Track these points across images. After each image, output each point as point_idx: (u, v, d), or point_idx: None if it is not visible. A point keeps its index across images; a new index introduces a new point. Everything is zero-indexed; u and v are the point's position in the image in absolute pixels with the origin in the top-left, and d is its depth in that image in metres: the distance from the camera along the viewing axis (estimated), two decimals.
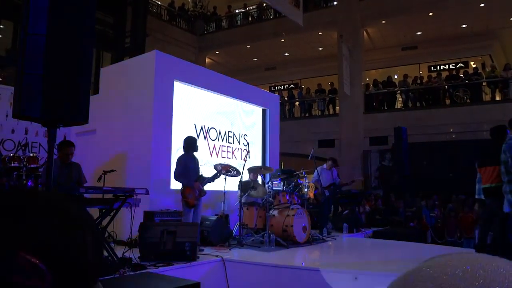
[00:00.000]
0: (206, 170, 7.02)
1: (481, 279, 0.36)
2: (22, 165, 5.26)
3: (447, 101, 14.02)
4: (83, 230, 0.49)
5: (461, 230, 9.30)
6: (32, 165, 5.47)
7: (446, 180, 11.57)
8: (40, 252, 0.43)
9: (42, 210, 0.47)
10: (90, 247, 0.48)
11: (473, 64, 16.11)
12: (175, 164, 5.80)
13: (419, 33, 15.99)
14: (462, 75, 14.73)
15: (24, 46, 2.96)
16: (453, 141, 12.96)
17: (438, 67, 16.99)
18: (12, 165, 5.35)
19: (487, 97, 13.63)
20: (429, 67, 17.18)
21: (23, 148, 7.08)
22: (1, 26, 10.86)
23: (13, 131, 7.22)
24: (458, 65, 16.62)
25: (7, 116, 7.07)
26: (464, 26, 15.19)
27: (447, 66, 16.86)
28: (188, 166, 5.68)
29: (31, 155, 5.85)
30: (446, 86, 14.06)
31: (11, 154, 5.78)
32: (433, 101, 14.26)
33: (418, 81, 15.00)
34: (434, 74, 15.42)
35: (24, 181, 5.20)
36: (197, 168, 5.87)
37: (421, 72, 16.81)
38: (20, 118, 3.18)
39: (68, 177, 5.08)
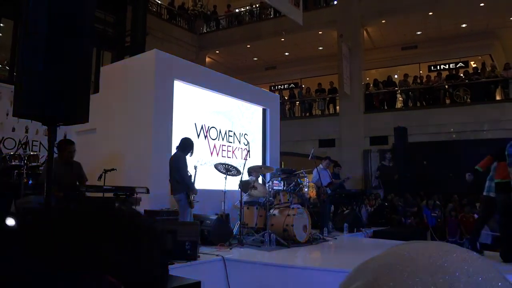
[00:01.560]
0: (206, 170, 7.02)
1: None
2: (22, 163, 5.25)
3: (447, 101, 14.02)
4: (156, 248, 0.49)
5: (462, 230, 9.30)
6: (33, 164, 5.46)
7: (446, 180, 11.56)
8: (122, 274, 0.43)
9: (124, 232, 0.47)
10: (160, 263, 0.48)
11: (473, 63, 16.11)
12: (176, 163, 5.71)
13: (419, 33, 15.98)
14: (462, 75, 14.72)
15: (24, 44, 2.94)
16: (453, 140, 12.95)
17: (438, 66, 16.99)
18: (13, 163, 5.34)
19: (487, 97, 13.61)
20: (429, 67, 17.17)
21: (23, 146, 7.08)
22: (1, 25, 10.84)
23: (13, 130, 7.22)
24: (458, 65, 16.62)
25: (7, 114, 7.07)
26: (464, 25, 15.19)
27: (447, 65, 16.85)
28: (186, 167, 5.68)
29: (31, 153, 5.85)
30: (446, 86, 14.06)
31: (12, 153, 5.78)
32: (433, 100, 14.25)
33: (418, 81, 14.99)
34: (434, 74, 15.41)
35: (25, 180, 5.19)
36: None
37: (421, 71, 16.80)
38: (21, 116, 3.17)
39: (69, 176, 5.07)
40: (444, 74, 15.22)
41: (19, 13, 3.12)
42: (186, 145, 5.78)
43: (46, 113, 2.92)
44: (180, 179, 5.60)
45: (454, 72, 15.31)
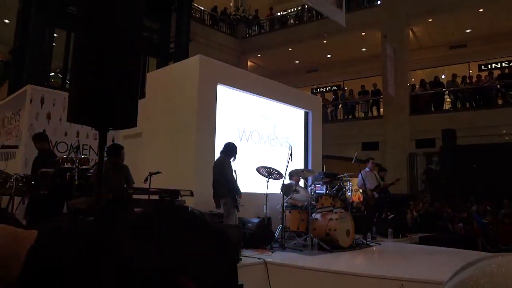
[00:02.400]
0: (249, 173, 7.07)
1: None
2: (74, 166, 5.52)
3: (499, 101, 13.34)
4: (228, 251, 0.49)
5: None
6: (84, 167, 5.72)
7: (498, 184, 10.99)
8: (196, 275, 0.43)
9: (198, 234, 0.48)
10: (231, 265, 0.49)
11: None
12: (221, 167, 5.80)
13: (468, 31, 15.32)
14: None
15: (77, 53, 3.11)
16: (505, 143, 12.30)
17: (489, 65, 16.20)
18: (65, 166, 5.62)
19: None
20: (480, 66, 16.41)
21: (74, 150, 7.43)
22: (55, 35, 11.46)
23: (66, 134, 7.60)
24: (511, 64, 15.77)
25: (60, 120, 7.45)
26: None
27: (499, 64, 16.03)
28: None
29: (82, 157, 6.13)
30: (498, 86, 13.38)
31: (64, 156, 6.08)
32: (484, 101, 13.60)
33: (468, 81, 14.37)
34: (485, 73, 14.70)
35: (76, 182, 5.45)
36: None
37: (470, 71, 16.09)
38: (74, 122, 3.34)
39: (118, 179, 5.28)
40: (496, 73, 14.49)
41: (72, 24, 3.29)
42: (230, 150, 5.87)
43: (97, 118, 3.06)
44: (226, 183, 5.69)
45: (506, 71, 14.53)
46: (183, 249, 0.45)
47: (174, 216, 0.50)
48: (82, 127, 7.45)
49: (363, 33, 15.94)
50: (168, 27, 13.93)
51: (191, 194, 4.66)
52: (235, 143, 5.99)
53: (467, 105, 13.89)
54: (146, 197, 4.70)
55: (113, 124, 3.15)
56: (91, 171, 5.86)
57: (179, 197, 4.56)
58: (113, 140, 7.43)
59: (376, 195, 7.65)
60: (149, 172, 5.62)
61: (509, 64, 15.76)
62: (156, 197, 4.70)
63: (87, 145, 7.87)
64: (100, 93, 2.95)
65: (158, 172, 5.68)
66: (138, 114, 3.45)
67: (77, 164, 5.53)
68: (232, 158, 5.86)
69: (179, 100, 6.91)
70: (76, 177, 5.47)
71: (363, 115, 15.98)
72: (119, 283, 0.41)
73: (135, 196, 5.13)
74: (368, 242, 6.78)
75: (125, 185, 5.36)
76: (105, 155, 4.86)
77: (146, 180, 5.58)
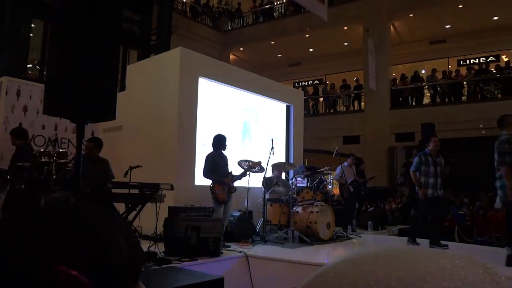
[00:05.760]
0: (230, 167, 7.05)
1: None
2: (52, 160, 5.41)
3: (477, 96, 13.61)
4: (115, 235, 0.48)
5: (491, 229, 9.04)
6: (62, 161, 5.61)
7: (475, 178, 11.24)
8: (78, 263, 0.42)
9: (72, 220, 0.47)
10: (125, 249, 0.48)
11: (505, 57, 15.55)
12: (204, 161, 5.82)
13: (448, 26, 15.55)
14: (493, 69, 14.25)
15: (54, 44, 3.04)
16: (483, 137, 12.57)
17: (468, 61, 16.50)
18: (43, 160, 5.50)
19: None
20: (459, 61, 16.70)
21: (52, 143, 7.29)
22: (32, 25, 11.18)
23: (43, 127, 7.44)
24: (489, 59, 16.09)
25: (38, 112, 7.29)
26: (495, 18, 14.68)
27: (477, 60, 16.34)
28: (216, 163, 5.73)
29: (60, 150, 6.01)
30: (476, 81, 13.65)
31: (42, 150, 5.96)
32: (462, 96, 13.86)
33: (447, 76, 14.61)
34: (463, 69, 14.98)
35: (54, 176, 5.35)
36: (226, 165, 5.90)
37: (450, 66, 16.36)
38: (51, 114, 3.27)
39: (96, 173, 5.20)
40: (475, 68, 14.78)
41: (49, 14, 3.21)
42: (215, 142, 5.86)
43: (75, 111, 3.00)
44: (206, 177, 5.70)
45: (484, 67, 14.83)
46: (55, 237, 0.44)
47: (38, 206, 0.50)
48: (61, 120, 7.30)
49: (345, 28, 16.02)
50: (149, 19, 13.74)
51: (172, 188, 4.63)
52: (222, 134, 5.96)
53: (446, 99, 14.14)
54: (126, 191, 4.65)
55: (91, 116, 3.10)
56: (70, 165, 5.76)
57: (160, 191, 4.53)
58: (92, 134, 7.31)
59: (352, 190, 7.79)
60: (130, 166, 5.56)
61: (486, 60, 16.07)
62: (136, 191, 4.65)
63: (65, 138, 7.72)
64: (78, 85, 2.89)
65: (138, 166, 5.62)
66: (118, 107, 3.41)
67: (54, 158, 5.42)
68: (222, 149, 5.85)
69: (160, 93, 6.84)
70: (53, 171, 5.37)
71: (344, 109, 16.12)
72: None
73: (115, 190, 5.07)
74: (348, 235, 6.88)
75: (104, 179, 5.28)
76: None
77: (126, 174, 5.52)
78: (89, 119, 3.28)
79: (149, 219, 5.14)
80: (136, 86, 7.41)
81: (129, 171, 5.35)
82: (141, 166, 5.58)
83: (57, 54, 3.01)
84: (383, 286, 0.33)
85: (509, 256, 4.42)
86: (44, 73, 10.66)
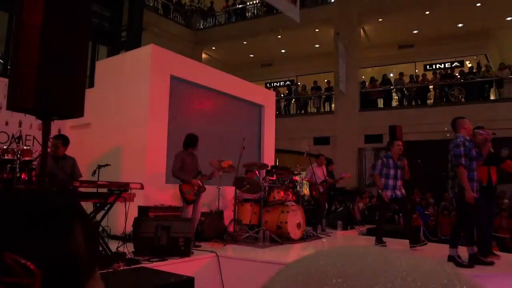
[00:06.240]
0: (201, 166, 7.01)
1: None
2: (16, 158, 5.21)
3: (443, 100, 14.07)
4: (73, 226, 0.48)
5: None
6: (26, 159, 5.42)
7: (439, 179, 11.61)
8: (28, 252, 0.43)
9: (26, 209, 0.47)
10: (81, 242, 0.48)
11: (469, 63, 16.16)
12: (173, 160, 5.77)
13: (415, 32, 16.00)
14: (457, 74, 14.78)
15: (18, 37, 2.92)
16: (447, 139, 12.97)
17: (434, 66, 17.04)
18: (6, 157, 5.29)
19: (482, 96, 13.68)
20: (425, 66, 17.22)
21: (16, 140, 7.03)
22: None
23: (6, 123, 7.16)
24: (454, 64, 16.67)
25: (0, 108, 7.01)
26: (460, 25, 15.22)
27: (442, 65, 16.90)
28: (185, 163, 5.67)
29: (25, 148, 5.81)
30: (442, 85, 14.11)
31: (5, 147, 5.74)
32: (428, 100, 14.30)
33: (414, 80, 15.04)
34: (430, 73, 15.45)
35: (18, 174, 5.16)
36: (195, 165, 5.85)
37: (417, 70, 16.84)
38: (15, 110, 3.15)
39: (63, 171, 5.06)
40: (440, 73, 15.28)
41: (15, 6, 3.10)
42: (186, 141, 5.81)
43: (40, 107, 2.90)
44: (174, 176, 5.65)
45: (449, 72, 15.37)
46: (9, 227, 0.45)
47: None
48: (25, 116, 7.05)
49: (317, 30, 16.22)
50: (119, 15, 13.44)
51: (142, 187, 4.55)
52: (193, 133, 5.91)
53: (413, 103, 14.55)
54: (94, 190, 4.54)
55: (57, 113, 3.00)
56: (35, 163, 5.57)
57: (129, 190, 4.44)
58: (59, 131, 7.09)
59: (322, 190, 7.93)
60: (98, 165, 5.44)
61: (451, 65, 16.65)
62: (105, 190, 4.55)
63: (30, 135, 7.46)
64: (43, 80, 2.79)
65: (107, 165, 5.51)
66: (86, 104, 3.32)
67: (18, 156, 5.22)
68: (192, 148, 5.79)
69: (130, 91, 6.71)
70: (17, 169, 5.17)
71: (315, 110, 16.31)
72: None
73: (82, 189, 4.94)
74: (318, 234, 6.96)
75: (71, 178, 5.14)
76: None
77: (94, 172, 5.39)
78: (55, 116, 3.18)
79: (118, 219, 5.05)
80: (106, 82, 7.24)
81: (97, 169, 5.24)
82: (110, 165, 5.48)
83: (21, 47, 2.90)
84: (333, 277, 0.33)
85: (471, 256, 4.57)
86: (8, 67, 10.26)
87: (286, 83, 19.70)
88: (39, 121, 4.55)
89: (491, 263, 4.57)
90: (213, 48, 18.56)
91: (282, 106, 16.74)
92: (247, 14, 18.21)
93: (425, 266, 0.33)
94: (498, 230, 8.60)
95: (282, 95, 17.40)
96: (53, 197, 0.51)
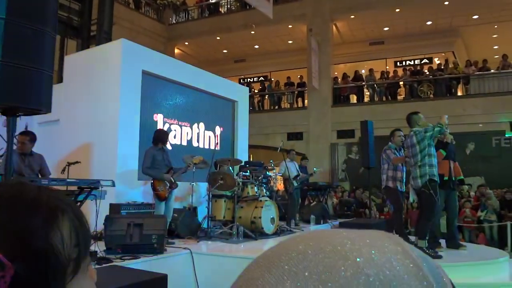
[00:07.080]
0: (174, 162, 6.95)
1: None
2: None
3: (412, 96, 14.42)
4: (55, 220, 0.46)
5: None
6: None
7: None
8: (4, 246, 0.41)
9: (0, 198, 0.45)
10: (67, 237, 0.46)
11: (437, 60, 16.61)
12: (143, 157, 5.69)
13: (386, 29, 16.31)
14: (426, 71, 15.17)
15: None
16: None
17: (404, 62, 17.42)
18: None
19: (450, 93, 14.09)
20: (395, 62, 17.58)
21: None
22: None
23: None
24: (423, 61, 17.09)
25: None
26: (429, 23, 15.62)
27: (412, 61, 17.30)
28: (156, 159, 5.59)
29: None
30: (411, 81, 14.46)
31: None
32: (398, 95, 14.62)
33: (385, 76, 15.34)
34: (400, 69, 15.79)
35: None
36: (167, 160, 5.78)
37: (387, 67, 17.17)
38: None
39: (30, 169, 4.91)
40: (410, 69, 15.64)
41: None
42: (155, 137, 5.73)
43: (4, 102, 2.80)
44: (145, 173, 5.58)
45: (419, 68, 15.76)
46: None
47: None
48: None
49: (290, 26, 16.29)
50: (89, 8, 13.12)
51: (113, 185, 4.47)
52: (162, 129, 5.85)
53: (384, 98, 14.85)
54: (64, 188, 4.43)
55: (23, 109, 2.91)
56: (0, 160, 5.39)
57: (100, 187, 4.36)
58: (26, 127, 6.87)
59: (295, 184, 8.02)
60: (68, 162, 5.32)
61: (421, 62, 17.07)
62: (75, 188, 4.45)
63: None
64: (7, 74, 2.70)
65: (77, 162, 5.39)
66: (54, 99, 3.24)
67: None
68: (161, 145, 5.73)
69: (101, 86, 6.57)
70: None
71: (288, 106, 16.42)
72: None
73: (51, 188, 4.82)
74: (291, 229, 7.03)
75: (39, 176, 5.00)
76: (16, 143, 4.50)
77: (64, 170, 5.26)
78: (21, 112, 3.08)
79: (89, 217, 4.94)
80: (75, 78, 7.06)
81: (67, 167, 5.12)
82: (79, 162, 5.36)
83: None
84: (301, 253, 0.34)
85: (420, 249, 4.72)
86: None
87: (260, 79, 19.72)
88: (4, 117, 4.40)
89: (439, 257, 4.71)
90: (186, 43, 18.38)
91: (255, 101, 16.76)
92: (220, 9, 18.10)
93: (379, 241, 0.36)
94: (463, 221, 8.92)
95: (255, 91, 17.43)
96: (33, 188, 0.49)
